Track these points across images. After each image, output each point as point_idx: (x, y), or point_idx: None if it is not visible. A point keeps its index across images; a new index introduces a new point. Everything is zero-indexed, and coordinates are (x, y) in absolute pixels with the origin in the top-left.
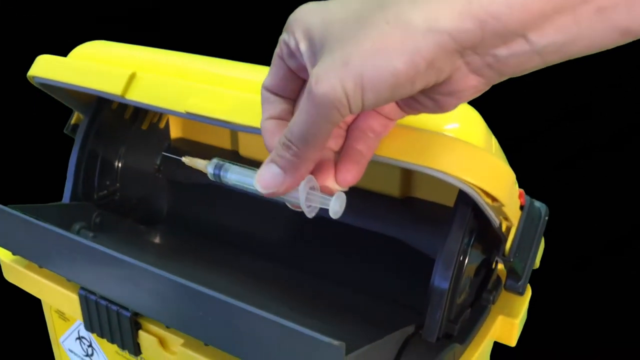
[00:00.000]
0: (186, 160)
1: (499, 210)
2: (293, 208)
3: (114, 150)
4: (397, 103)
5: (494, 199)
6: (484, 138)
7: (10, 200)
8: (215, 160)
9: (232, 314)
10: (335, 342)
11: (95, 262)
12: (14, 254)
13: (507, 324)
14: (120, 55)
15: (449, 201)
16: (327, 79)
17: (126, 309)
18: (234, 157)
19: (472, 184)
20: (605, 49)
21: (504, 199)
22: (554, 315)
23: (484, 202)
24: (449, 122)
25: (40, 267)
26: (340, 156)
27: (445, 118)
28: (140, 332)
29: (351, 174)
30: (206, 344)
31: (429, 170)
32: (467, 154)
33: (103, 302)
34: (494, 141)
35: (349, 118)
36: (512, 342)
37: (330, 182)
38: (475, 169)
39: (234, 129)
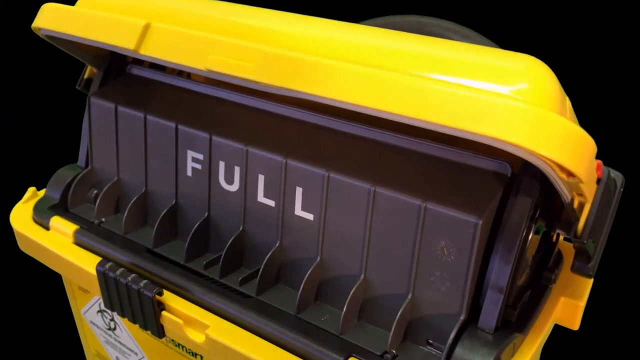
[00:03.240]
0: None
1: (574, 186)
2: None
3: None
4: None
5: (570, 174)
6: (558, 101)
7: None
8: None
9: None
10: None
11: None
12: None
13: (570, 306)
14: (133, 2)
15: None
16: None
17: (148, 288)
18: None
19: (546, 158)
20: None
21: (583, 174)
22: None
23: (557, 177)
24: (516, 82)
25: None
26: None
27: (511, 76)
28: (164, 314)
29: None
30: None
31: (492, 141)
32: (538, 120)
33: (123, 280)
34: (568, 104)
35: None
36: (575, 325)
37: None
38: (548, 140)
39: (261, 90)
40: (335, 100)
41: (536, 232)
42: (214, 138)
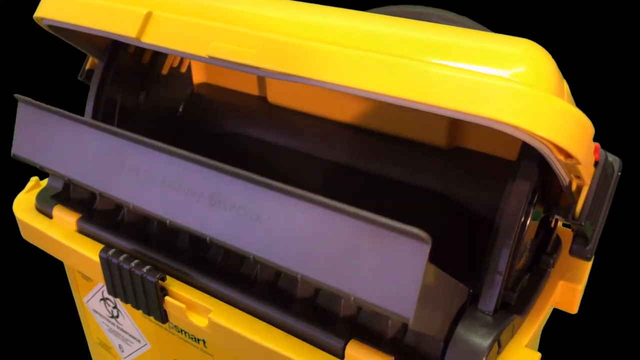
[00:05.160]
0: None
1: (572, 168)
2: None
3: (133, 97)
4: None
5: (568, 155)
6: (556, 84)
7: None
8: None
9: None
10: (423, 234)
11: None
12: (42, 166)
13: (569, 290)
14: None
15: (503, 152)
16: None
17: (151, 273)
18: (262, 103)
19: (545, 139)
20: None
21: (580, 156)
22: (613, 279)
23: (556, 159)
24: (514, 66)
25: (74, 179)
26: None
27: (510, 60)
28: (167, 299)
29: None
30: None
31: (489, 121)
32: (536, 102)
33: (126, 266)
34: (566, 88)
35: None
36: (574, 309)
37: None
38: (547, 121)
39: (262, 75)
40: (337, 85)
41: (534, 219)
42: None
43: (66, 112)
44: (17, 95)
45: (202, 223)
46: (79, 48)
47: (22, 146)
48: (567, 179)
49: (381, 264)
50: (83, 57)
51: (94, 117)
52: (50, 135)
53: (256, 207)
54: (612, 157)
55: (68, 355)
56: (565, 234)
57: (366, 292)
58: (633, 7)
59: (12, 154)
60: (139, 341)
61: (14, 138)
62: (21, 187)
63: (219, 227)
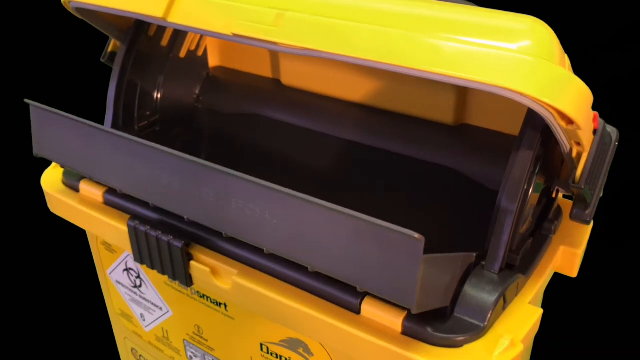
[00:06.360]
0: None
1: (573, 134)
2: None
3: (153, 79)
4: None
5: (570, 121)
6: (558, 56)
7: None
8: None
9: (302, 208)
10: (415, 235)
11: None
12: (63, 165)
13: (569, 254)
14: None
15: (507, 128)
16: None
17: (178, 239)
18: (276, 85)
19: (548, 105)
20: None
21: (581, 121)
22: (612, 247)
23: (558, 125)
24: (520, 40)
25: (92, 178)
26: None
27: (516, 35)
28: (192, 263)
29: None
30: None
31: (497, 89)
32: (541, 70)
33: (154, 234)
34: (567, 61)
35: None
36: (574, 273)
37: None
38: (551, 88)
39: (283, 51)
40: (355, 58)
41: (536, 190)
42: None
43: (70, 115)
44: (27, 101)
45: (221, 225)
46: (102, 30)
47: (40, 145)
48: (568, 146)
49: (385, 261)
50: (103, 43)
51: (117, 97)
52: (61, 135)
53: (279, 212)
54: (610, 128)
55: (89, 330)
56: (566, 206)
57: (373, 285)
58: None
59: (34, 154)
60: (161, 309)
61: (33, 139)
62: (46, 165)
63: (236, 227)
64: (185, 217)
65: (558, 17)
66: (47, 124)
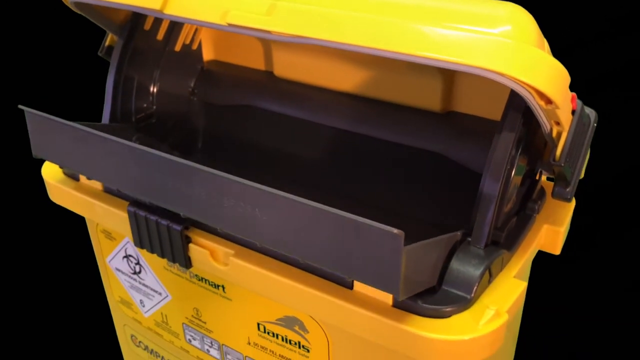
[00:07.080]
0: None
1: (552, 113)
2: None
3: (149, 73)
4: None
5: (548, 100)
6: (537, 40)
7: None
8: None
9: (290, 207)
10: (395, 230)
11: (148, 167)
12: (61, 166)
13: (552, 232)
14: None
15: (493, 114)
16: None
17: (176, 222)
18: (269, 77)
19: (527, 85)
20: None
21: (559, 100)
22: (596, 227)
23: (537, 105)
24: (501, 25)
25: (89, 178)
26: None
27: (497, 20)
28: (191, 246)
29: None
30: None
31: (479, 70)
32: (520, 52)
33: (153, 218)
34: (546, 45)
35: None
36: (557, 250)
37: None
38: (530, 68)
39: (277, 40)
40: (345, 44)
41: (519, 172)
42: None
43: (64, 121)
44: (21, 107)
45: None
46: (99, 25)
47: (37, 148)
48: (549, 126)
49: (369, 255)
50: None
51: (115, 91)
52: (56, 138)
53: (268, 210)
54: (588, 110)
55: (88, 320)
56: (549, 187)
57: (360, 276)
58: None
59: (33, 155)
60: (160, 294)
61: (31, 142)
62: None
63: (231, 223)
64: (182, 214)
65: (544, 11)
66: (42, 128)
